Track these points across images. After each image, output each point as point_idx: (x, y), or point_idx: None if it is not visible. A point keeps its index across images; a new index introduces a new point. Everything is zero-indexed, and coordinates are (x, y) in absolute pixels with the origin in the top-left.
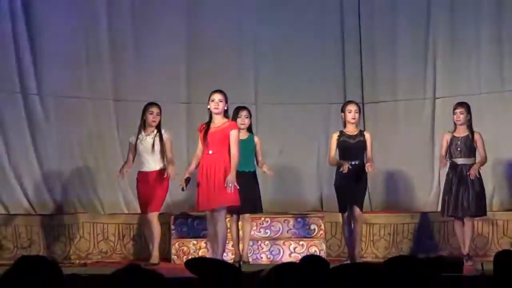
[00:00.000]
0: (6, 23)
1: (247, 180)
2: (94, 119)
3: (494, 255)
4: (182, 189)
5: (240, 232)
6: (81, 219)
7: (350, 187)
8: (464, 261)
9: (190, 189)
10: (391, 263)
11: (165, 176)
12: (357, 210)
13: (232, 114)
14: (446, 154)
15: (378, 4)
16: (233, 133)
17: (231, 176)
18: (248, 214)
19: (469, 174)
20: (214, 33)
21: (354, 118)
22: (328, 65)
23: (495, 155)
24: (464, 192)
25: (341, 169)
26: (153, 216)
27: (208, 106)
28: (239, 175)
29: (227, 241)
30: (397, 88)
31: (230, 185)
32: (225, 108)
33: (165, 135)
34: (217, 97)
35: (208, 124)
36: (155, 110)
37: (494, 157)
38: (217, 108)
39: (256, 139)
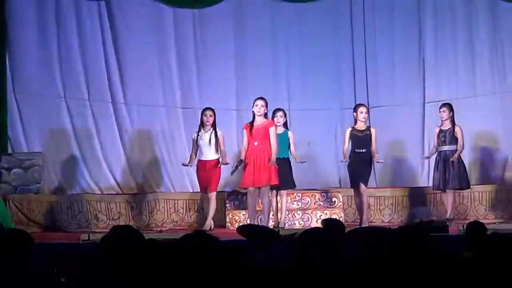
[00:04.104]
0: (99, 49)
1: (283, 164)
2: (166, 122)
3: (466, 224)
4: (232, 173)
5: (279, 205)
6: (157, 196)
7: (358, 168)
8: (448, 223)
9: (241, 173)
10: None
11: (218, 164)
12: (362, 186)
13: (271, 115)
14: (436, 144)
15: (379, 30)
16: (272, 129)
17: (273, 159)
18: (284, 190)
19: (452, 160)
20: (255, 54)
21: (364, 118)
22: (342, 80)
23: (473, 144)
24: (447, 171)
25: (343, 159)
26: (213, 195)
27: (253, 109)
28: (278, 160)
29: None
30: (395, 96)
31: (273, 163)
32: (266, 111)
33: (219, 132)
34: (260, 102)
35: (252, 123)
36: (208, 112)
37: (471, 146)
38: (259, 111)
39: (289, 133)
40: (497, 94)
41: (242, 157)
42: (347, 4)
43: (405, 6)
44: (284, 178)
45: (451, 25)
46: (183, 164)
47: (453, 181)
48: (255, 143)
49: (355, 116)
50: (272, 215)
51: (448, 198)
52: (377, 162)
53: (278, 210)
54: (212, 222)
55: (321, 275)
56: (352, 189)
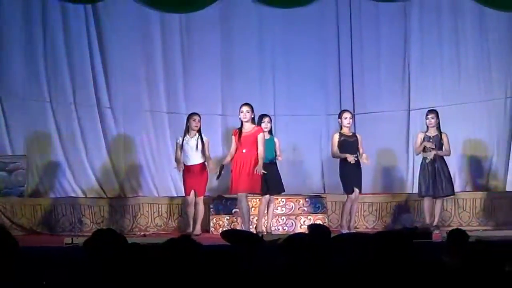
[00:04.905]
0: (85, 53)
1: (271, 169)
2: (152, 126)
3: (448, 231)
4: (217, 178)
5: (265, 210)
6: (141, 201)
7: (352, 174)
8: (433, 230)
9: (224, 178)
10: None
11: (205, 168)
12: (357, 191)
13: (257, 120)
14: (420, 147)
15: (365, 36)
16: (260, 136)
17: (259, 166)
18: (273, 196)
19: (434, 153)
20: (241, 59)
21: (349, 123)
22: (327, 87)
23: (457, 151)
24: (436, 178)
25: (348, 160)
26: (200, 200)
27: (239, 116)
28: (265, 165)
29: (253, 217)
30: (381, 102)
31: (259, 170)
32: (252, 116)
33: (204, 138)
34: (245, 108)
35: (240, 129)
36: (196, 117)
37: (456, 153)
38: (246, 117)
39: (275, 139)
40: (482, 101)
41: (226, 162)
42: (334, 11)
43: (391, 13)
44: (273, 182)
45: (437, 33)
46: (175, 167)
47: (443, 188)
48: (244, 150)
49: (340, 122)
50: (256, 220)
51: (436, 205)
52: (364, 161)
53: (264, 215)
54: (200, 227)
55: (306, 280)
56: (337, 195)
